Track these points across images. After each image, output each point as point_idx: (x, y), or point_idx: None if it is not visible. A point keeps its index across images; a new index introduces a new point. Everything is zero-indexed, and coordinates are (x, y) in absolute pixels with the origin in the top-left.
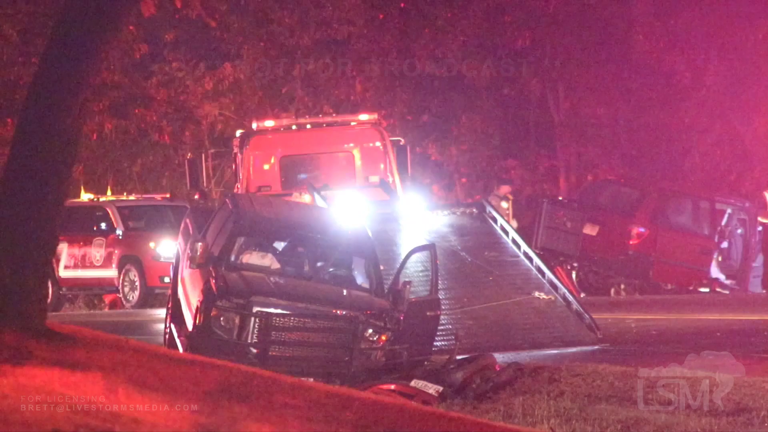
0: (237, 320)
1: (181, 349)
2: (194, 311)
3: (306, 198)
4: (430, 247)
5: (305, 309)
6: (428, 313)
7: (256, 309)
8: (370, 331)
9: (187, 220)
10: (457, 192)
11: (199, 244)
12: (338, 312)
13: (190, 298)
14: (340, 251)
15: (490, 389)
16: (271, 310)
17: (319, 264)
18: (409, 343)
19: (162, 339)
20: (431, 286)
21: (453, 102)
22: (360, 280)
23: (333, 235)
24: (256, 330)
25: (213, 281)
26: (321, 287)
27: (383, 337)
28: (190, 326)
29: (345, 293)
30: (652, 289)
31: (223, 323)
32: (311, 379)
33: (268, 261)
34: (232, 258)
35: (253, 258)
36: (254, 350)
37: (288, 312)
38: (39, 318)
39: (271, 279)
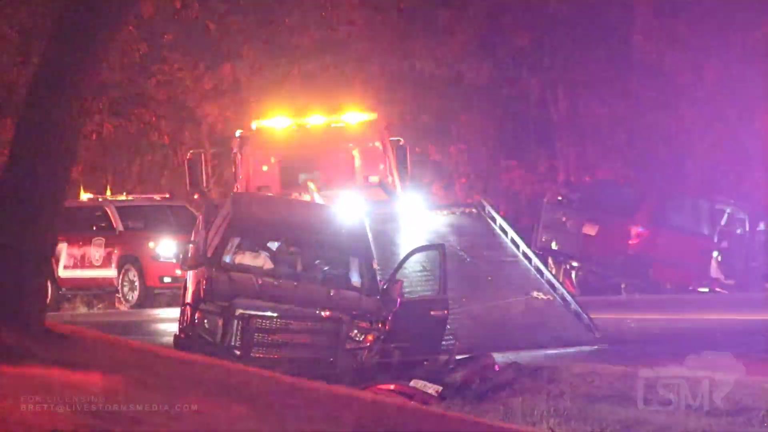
0: (220, 322)
1: None
2: (181, 313)
3: (306, 198)
4: (439, 247)
5: (289, 310)
6: (432, 313)
7: (239, 311)
8: (356, 331)
9: (200, 218)
10: (457, 192)
11: (190, 245)
12: (321, 313)
13: (186, 298)
14: (334, 250)
15: (490, 389)
16: (256, 312)
17: (316, 262)
18: (410, 342)
19: (162, 339)
20: (440, 286)
21: (453, 102)
22: (355, 279)
23: (328, 234)
24: (239, 332)
25: (201, 283)
26: (309, 288)
27: (369, 337)
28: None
29: (332, 294)
30: (652, 289)
31: (207, 325)
32: None
33: (261, 261)
34: (226, 258)
35: (246, 258)
36: (238, 352)
37: (271, 314)
38: (38, 318)
39: (258, 280)
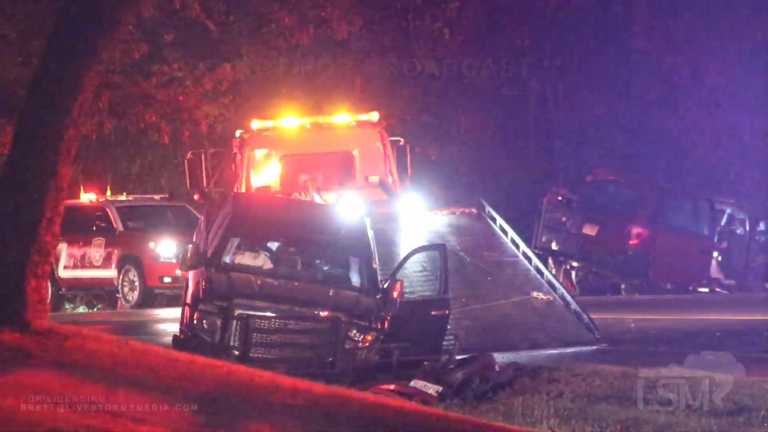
0: (219, 323)
1: None
2: (182, 313)
3: (306, 198)
4: (440, 247)
5: (287, 311)
6: (433, 313)
7: (238, 311)
8: (355, 331)
9: (202, 219)
10: (457, 192)
11: (189, 246)
12: (320, 313)
13: (186, 298)
14: (334, 250)
15: (490, 389)
16: (254, 312)
17: (316, 262)
18: (411, 342)
19: (162, 339)
20: (441, 286)
21: (453, 102)
22: (355, 279)
23: (328, 234)
24: (238, 332)
25: (200, 283)
26: (308, 288)
27: (368, 337)
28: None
29: (331, 293)
30: (652, 289)
31: (206, 326)
32: None
33: (261, 261)
34: (226, 258)
35: (246, 258)
36: (236, 352)
37: (270, 314)
38: (39, 318)
39: (257, 280)
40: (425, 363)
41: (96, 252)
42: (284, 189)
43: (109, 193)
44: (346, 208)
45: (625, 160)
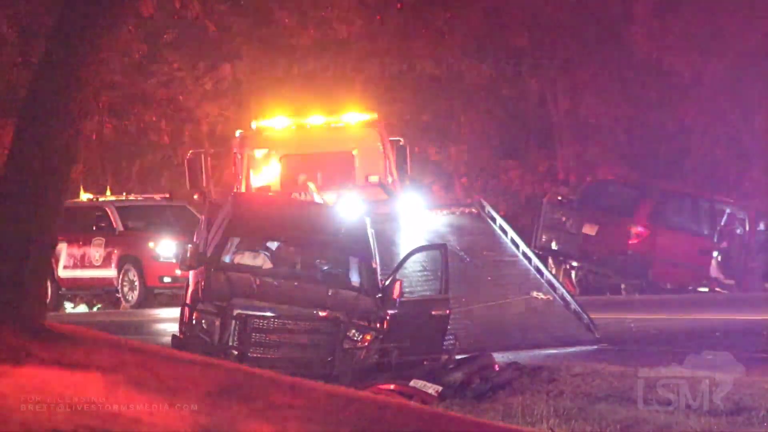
0: (218, 323)
1: None
2: (181, 313)
3: (306, 198)
4: (441, 247)
5: (287, 310)
6: (433, 312)
7: (237, 311)
8: (354, 331)
9: (203, 219)
10: (457, 192)
11: (189, 246)
12: (319, 313)
13: (186, 298)
14: (334, 250)
15: (489, 389)
16: (253, 312)
17: (317, 262)
18: (411, 342)
19: (162, 339)
20: (441, 286)
21: (453, 102)
22: (354, 278)
23: (328, 233)
24: (236, 332)
25: (199, 283)
26: (307, 287)
27: (368, 337)
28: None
29: (330, 293)
30: (652, 289)
31: (204, 326)
32: None
33: (260, 261)
34: (226, 258)
35: (245, 258)
36: (236, 352)
37: (268, 314)
38: (39, 318)
39: (257, 280)
40: (425, 363)
41: (96, 252)
42: (284, 189)
43: (108, 193)
44: (345, 208)
45: (625, 160)
